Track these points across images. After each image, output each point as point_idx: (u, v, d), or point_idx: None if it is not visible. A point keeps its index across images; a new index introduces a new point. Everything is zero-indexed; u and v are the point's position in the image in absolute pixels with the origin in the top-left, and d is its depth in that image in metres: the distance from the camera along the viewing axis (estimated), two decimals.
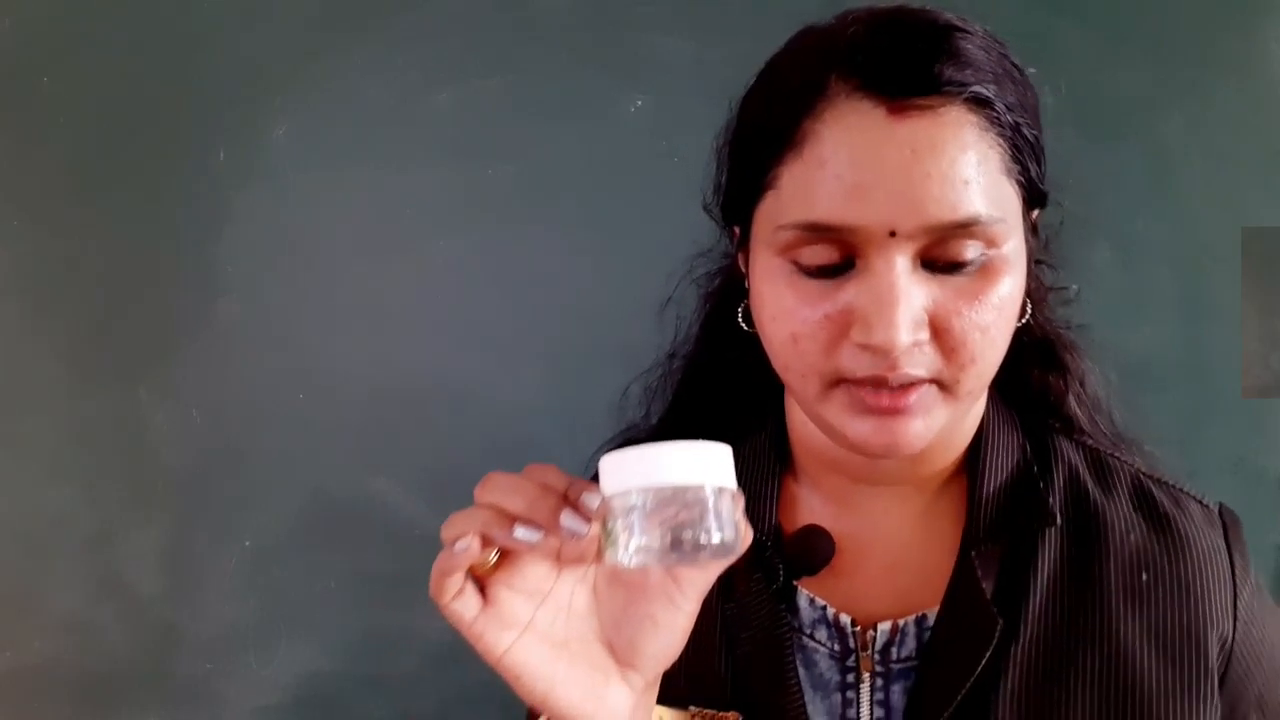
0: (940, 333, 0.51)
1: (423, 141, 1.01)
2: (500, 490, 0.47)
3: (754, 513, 0.63)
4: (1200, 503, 0.63)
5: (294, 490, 1.02)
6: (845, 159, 0.50)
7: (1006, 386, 0.64)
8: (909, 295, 0.50)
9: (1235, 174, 0.93)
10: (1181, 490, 0.63)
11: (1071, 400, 0.68)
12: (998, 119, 0.51)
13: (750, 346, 0.59)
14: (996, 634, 0.56)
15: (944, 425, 0.54)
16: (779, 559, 0.62)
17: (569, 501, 0.46)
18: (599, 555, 0.45)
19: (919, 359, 0.51)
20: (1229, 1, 0.93)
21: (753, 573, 0.62)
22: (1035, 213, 0.58)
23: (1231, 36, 0.93)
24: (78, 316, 1.03)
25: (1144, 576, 0.59)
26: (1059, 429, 0.66)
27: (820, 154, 0.51)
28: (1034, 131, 0.54)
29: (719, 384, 0.70)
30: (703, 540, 0.43)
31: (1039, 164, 0.55)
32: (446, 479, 1.00)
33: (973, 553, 0.59)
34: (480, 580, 0.49)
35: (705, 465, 0.44)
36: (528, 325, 1.00)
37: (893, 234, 0.49)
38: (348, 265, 1.01)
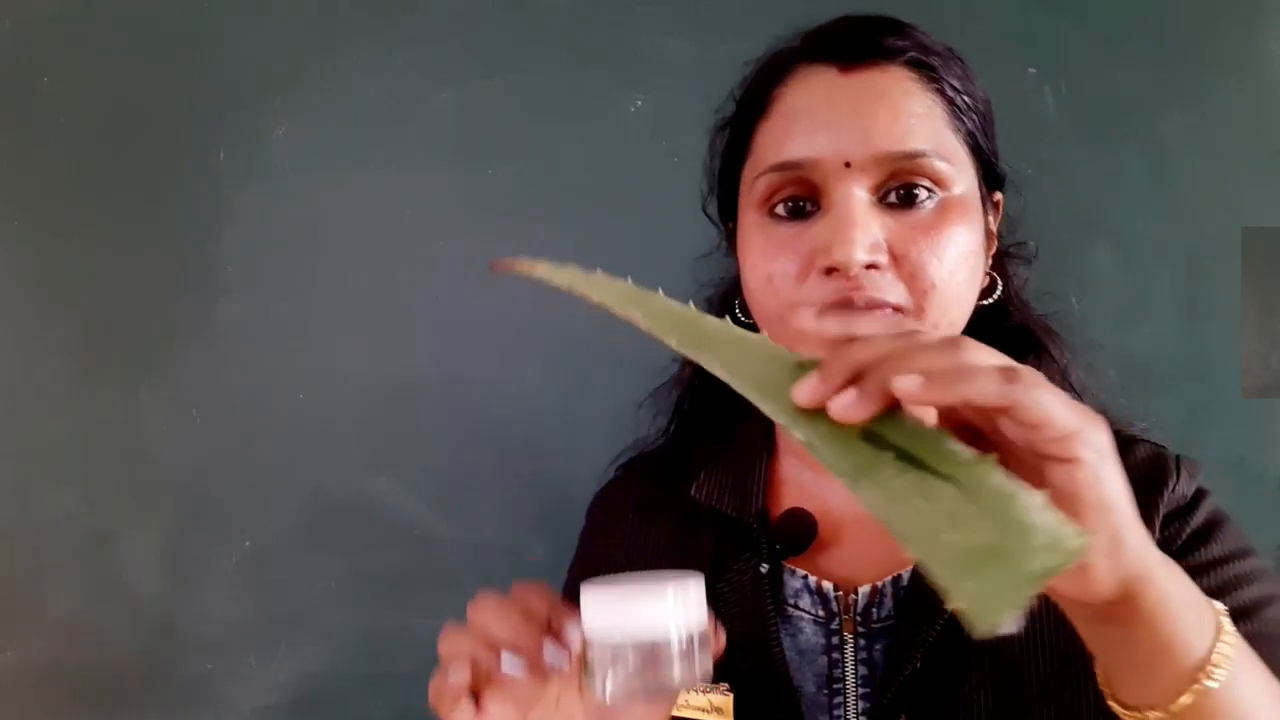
0: (898, 259, 0.57)
1: (423, 141, 1.01)
2: (488, 615, 0.50)
3: (743, 495, 0.69)
4: (1152, 444, 0.66)
5: (294, 490, 1.02)
6: (804, 108, 0.59)
7: None
8: (865, 220, 0.56)
9: (1235, 174, 0.93)
10: (1134, 438, 0.66)
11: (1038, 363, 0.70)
12: (937, 80, 0.59)
13: None
14: None
15: None
16: (765, 541, 0.66)
17: (552, 631, 0.49)
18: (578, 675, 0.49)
19: (880, 283, 0.56)
20: (1229, 1, 0.93)
21: (742, 553, 0.66)
22: (996, 195, 0.65)
23: (1231, 36, 0.93)
24: (78, 316, 1.03)
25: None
26: None
27: (784, 110, 0.61)
28: (979, 108, 0.61)
29: (721, 391, 0.73)
30: (675, 684, 0.47)
31: (988, 137, 0.62)
32: (446, 479, 1.01)
33: None
34: (474, 690, 0.52)
35: (681, 613, 0.47)
36: (528, 325, 1.00)
37: (848, 165, 0.57)
38: (348, 265, 1.01)
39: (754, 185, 0.61)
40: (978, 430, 0.43)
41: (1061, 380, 0.70)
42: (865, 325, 0.55)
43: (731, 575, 0.66)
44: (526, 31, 0.99)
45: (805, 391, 0.42)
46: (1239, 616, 0.55)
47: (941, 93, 0.59)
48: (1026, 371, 0.40)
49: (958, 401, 0.39)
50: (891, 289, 0.56)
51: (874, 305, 0.56)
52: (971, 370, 0.39)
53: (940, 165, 0.57)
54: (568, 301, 1.02)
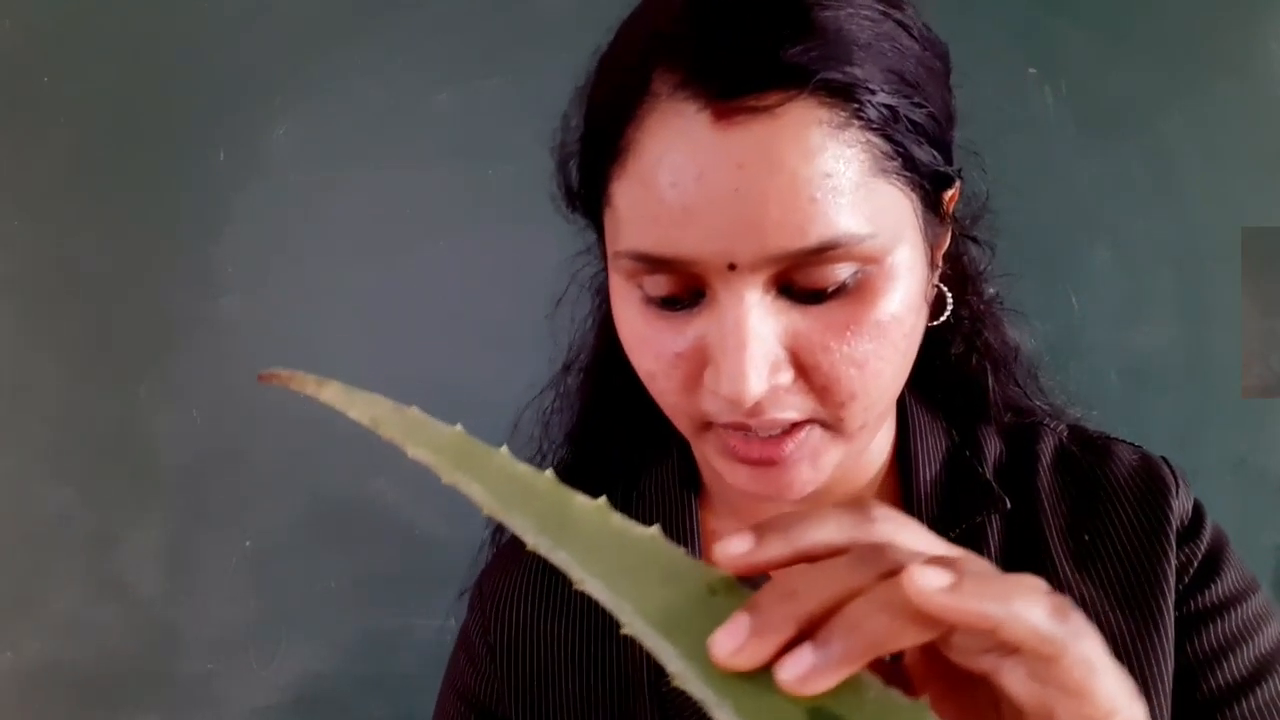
0: (807, 370, 0.44)
1: (423, 141, 1.00)
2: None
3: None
4: (1130, 446, 0.59)
5: (294, 490, 1.02)
6: (668, 180, 0.42)
7: (920, 376, 0.56)
8: (758, 335, 0.42)
9: (1235, 174, 0.93)
10: (1109, 439, 0.60)
11: (990, 383, 0.61)
12: (860, 110, 0.41)
13: None
14: None
15: (840, 463, 0.48)
16: None
17: None
18: None
19: (787, 401, 0.44)
20: (1229, 1, 0.93)
21: None
22: (949, 194, 0.49)
23: (1231, 36, 0.93)
24: (78, 316, 1.03)
25: (1085, 537, 0.55)
26: (984, 417, 0.61)
27: (643, 171, 0.43)
28: (925, 108, 0.44)
29: (621, 396, 0.62)
30: None
31: (936, 143, 0.45)
32: None
33: None
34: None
35: None
36: (528, 325, 1.00)
37: (732, 267, 0.42)
38: (348, 265, 1.01)
39: (614, 255, 0.46)
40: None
41: (998, 370, 0.62)
42: (779, 477, 0.45)
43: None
44: (526, 31, 0.99)
45: (729, 648, 0.28)
46: (1262, 671, 0.51)
47: (869, 127, 0.42)
48: (1071, 609, 0.29)
49: (987, 648, 0.29)
50: (800, 404, 0.44)
51: (784, 429, 0.45)
52: (1006, 598, 0.28)
53: (862, 247, 0.42)
54: (567, 302, 1.02)
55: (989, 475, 0.57)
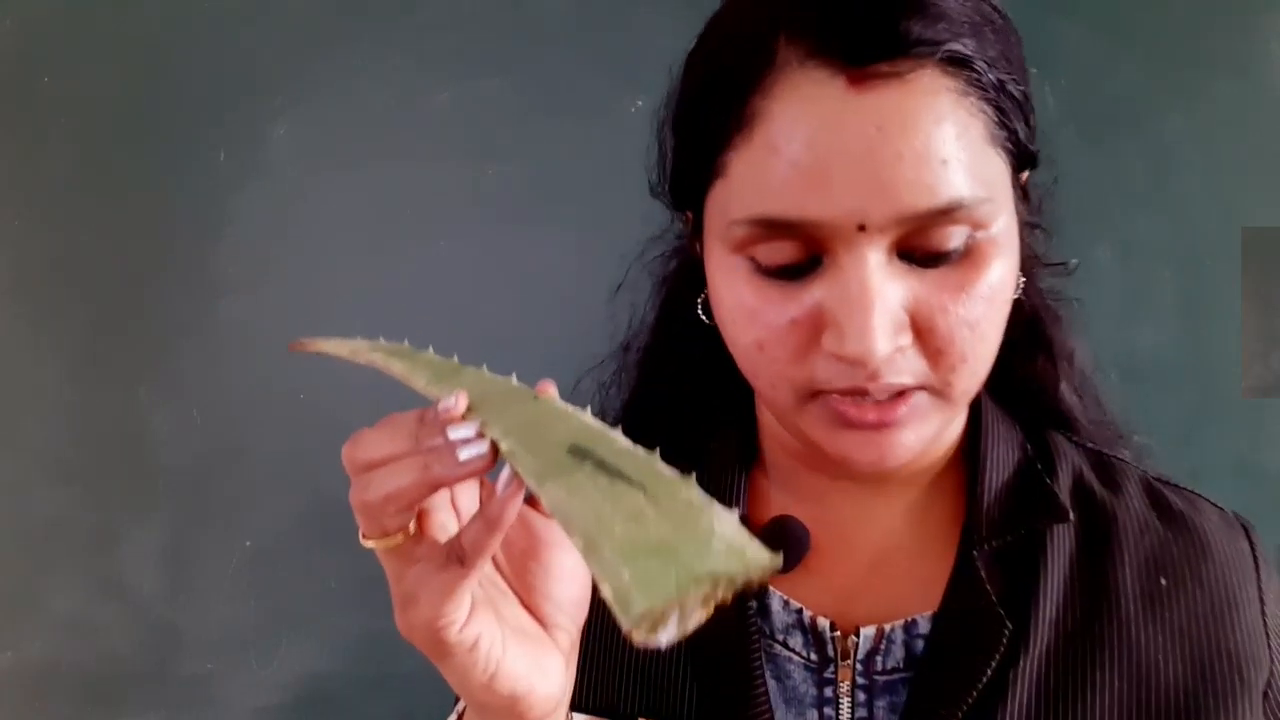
0: (924, 333, 0.45)
1: (423, 141, 1.00)
2: (384, 431, 0.42)
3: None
4: (1215, 505, 0.58)
5: (294, 490, 1.02)
6: (801, 142, 0.43)
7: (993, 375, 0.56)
8: (884, 296, 0.43)
9: (1235, 174, 0.93)
10: (1194, 493, 0.58)
11: (1064, 390, 0.62)
12: (978, 80, 0.44)
13: (712, 338, 0.53)
14: (1005, 640, 0.50)
15: (937, 432, 0.49)
16: None
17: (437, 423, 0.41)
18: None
19: (902, 365, 0.45)
20: (1229, 1, 0.93)
21: None
22: (1025, 174, 0.52)
23: (1231, 36, 0.93)
24: (78, 316, 1.03)
25: (1163, 581, 0.53)
26: (1054, 429, 0.61)
27: (771, 137, 0.44)
28: (1021, 87, 0.47)
29: (679, 377, 0.64)
30: None
31: (1027, 122, 0.48)
32: None
33: (975, 551, 0.53)
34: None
35: None
36: (528, 325, 1.00)
37: (862, 228, 0.43)
38: (348, 265, 1.01)
39: (728, 225, 0.46)
40: None
41: (1069, 377, 0.62)
42: (884, 442, 0.47)
43: None
44: (526, 31, 0.99)
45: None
46: None
47: (983, 93, 0.44)
48: None
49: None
50: (914, 368, 0.45)
51: (897, 392, 0.46)
52: None
53: (980, 210, 0.44)
54: (567, 302, 1.02)
55: (1060, 487, 0.56)
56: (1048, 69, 0.93)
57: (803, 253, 0.45)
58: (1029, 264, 0.56)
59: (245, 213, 1.01)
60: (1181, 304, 0.94)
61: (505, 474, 0.40)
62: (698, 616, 0.30)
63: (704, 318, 0.55)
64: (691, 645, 0.53)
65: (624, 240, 0.98)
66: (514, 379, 0.44)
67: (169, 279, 1.02)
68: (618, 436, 0.38)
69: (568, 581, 0.46)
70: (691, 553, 0.30)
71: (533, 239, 1.00)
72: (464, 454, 0.39)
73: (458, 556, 0.41)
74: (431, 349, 0.50)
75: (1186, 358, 0.94)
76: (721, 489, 0.58)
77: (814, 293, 0.45)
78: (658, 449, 0.36)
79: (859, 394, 0.46)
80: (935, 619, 0.53)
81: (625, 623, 0.29)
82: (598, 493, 0.34)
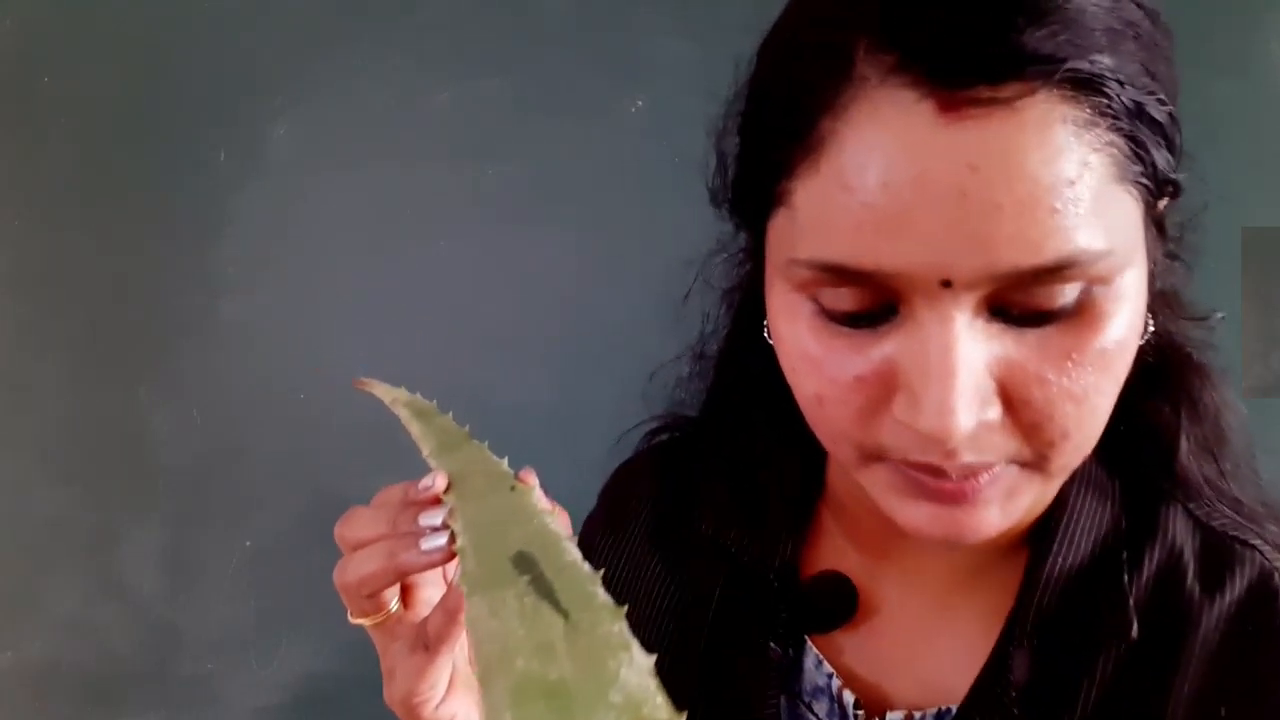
0: (1016, 405, 0.37)
1: (423, 141, 1.01)
2: (367, 516, 0.43)
3: (768, 543, 0.52)
4: (1261, 555, 0.46)
5: (294, 490, 1.02)
6: (876, 179, 0.35)
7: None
8: (969, 363, 0.36)
9: (1235, 174, 0.93)
10: (1249, 544, 0.46)
11: (1185, 447, 0.49)
12: (1109, 106, 0.35)
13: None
14: None
15: (1028, 509, 0.42)
16: (784, 602, 0.51)
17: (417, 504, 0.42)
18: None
19: (988, 442, 0.38)
20: (1229, 1, 0.93)
21: (752, 617, 0.50)
22: (1164, 202, 0.43)
23: (1231, 36, 0.93)
24: (78, 316, 1.03)
25: (1221, 712, 0.43)
26: (1175, 497, 0.49)
27: (842, 169, 0.36)
28: (1166, 107, 0.39)
29: (748, 396, 0.58)
30: None
31: (1170, 147, 0.40)
32: None
33: (1012, 647, 0.45)
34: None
35: None
36: (528, 325, 1.00)
37: (947, 283, 0.35)
38: (348, 265, 1.01)
39: (789, 263, 0.39)
40: None
41: (1199, 436, 0.50)
42: (963, 518, 0.40)
43: (736, 641, 0.50)
44: (526, 31, 0.99)
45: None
46: None
47: (1117, 126, 0.36)
48: None
49: None
50: (1001, 446, 0.38)
51: (973, 473, 0.39)
52: None
53: (1098, 267, 0.35)
54: (567, 302, 1.02)
55: (1141, 581, 0.46)
56: None
57: (873, 301, 0.37)
58: (1162, 304, 0.48)
59: (245, 213, 1.01)
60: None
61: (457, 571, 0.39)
62: None
63: (770, 340, 0.47)
64: (710, 686, 0.52)
65: (624, 240, 0.99)
66: (505, 463, 0.44)
67: (169, 279, 1.02)
68: (569, 548, 0.36)
69: None
70: (586, 700, 0.30)
71: (532, 239, 1.00)
72: (426, 544, 0.39)
73: (423, 643, 0.41)
74: (451, 415, 0.51)
75: None
76: (780, 510, 0.54)
77: (885, 347, 0.38)
78: (602, 570, 0.34)
79: (934, 471, 0.39)
80: (963, 710, 0.46)
81: None
82: (518, 616, 0.33)
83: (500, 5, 1.00)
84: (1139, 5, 0.39)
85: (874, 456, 0.41)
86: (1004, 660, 0.45)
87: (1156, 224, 0.42)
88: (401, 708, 0.43)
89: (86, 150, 1.02)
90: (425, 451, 0.48)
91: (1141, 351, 0.42)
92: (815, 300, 0.39)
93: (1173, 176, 0.41)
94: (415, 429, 0.50)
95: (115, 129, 1.02)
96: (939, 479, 0.39)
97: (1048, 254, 0.34)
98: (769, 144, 0.40)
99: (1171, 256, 0.48)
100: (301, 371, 1.02)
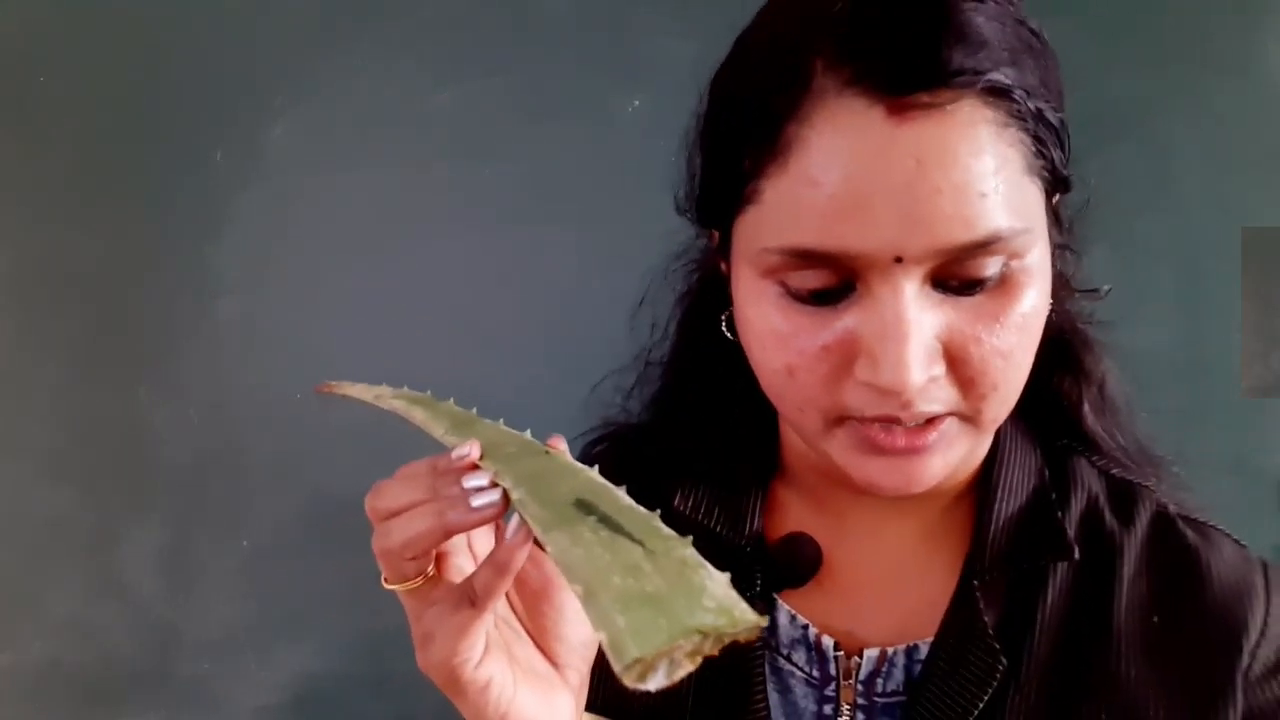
0: (956, 362, 0.45)
1: (423, 141, 1.01)
2: (404, 481, 0.45)
3: (737, 514, 0.58)
4: (1235, 542, 0.56)
5: (294, 490, 1.02)
6: (839, 174, 0.42)
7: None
8: (919, 326, 0.43)
9: (1235, 174, 0.93)
10: (1214, 528, 0.56)
11: (1087, 410, 0.60)
12: (1018, 110, 0.43)
13: (735, 352, 0.53)
14: (998, 673, 0.51)
15: (964, 457, 0.49)
16: (758, 566, 0.56)
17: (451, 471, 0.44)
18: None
19: (934, 394, 0.45)
20: (1229, 1, 0.93)
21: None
22: (1056, 198, 0.50)
23: (1231, 36, 0.93)
24: (78, 316, 1.03)
25: (1155, 619, 0.52)
26: (1079, 450, 0.59)
27: (808, 168, 0.43)
28: (1058, 114, 0.46)
29: (702, 390, 0.64)
30: None
31: (1063, 148, 0.47)
32: None
33: (975, 581, 0.53)
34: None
35: None
36: (528, 325, 1.00)
37: (898, 259, 0.42)
38: (347, 265, 1.01)
39: (759, 251, 0.46)
40: None
41: (1096, 402, 0.61)
42: (911, 468, 0.47)
43: None
44: (526, 31, 0.99)
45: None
46: None
47: (1024, 128, 0.44)
48: None
49: None
50: (945, 396, 0.46)
51: (923, 419, 0.46)
52: None
53: (1016, 242, 0.43)
54: (567, 302, 1.02)
55: (1071, 520, 0.55)
56: None
57: (835, 279, 0.45)
58: (1059, 286, 0.55)
59: (244, 213, 1.02)
60: (1181, 304, 0.94)
61: (514, 522, 0.42)
62: (686, 667, 0.31)
63: (728, 334, 0.54)
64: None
65: (623, 240, 0.98)
66: (528, 434, 0.46)
67: (169, 279, 1.02)
68: (621, 494, 0.40)
69: (578, 623, 0.48)
70: (683, 607, 0.32)
71: (532, 239, 1.00)
72: (477, 501, 0.41)
73: (470, 599, 0.43)
74: (453, 400, 0.52)
75: (1186, 358, 0.94)
76: (744, 489, 0.59)
77: (846, 320, 0.45)
78: (658, 510, 0.38)
79: (890, 422, 0.46)
80: (932, 647, 0.53)
81: (618, 667, 0.30)
82: (599, 544, 0.36)
83: (500, 5, 1.00)
84: (1030, 30, 0.47)
85: (836, 421, 0.48)
86: (969, 594, 0.53)
87: (1054, 214, 0.50)
88: (440, 670, 0.44)
89: (86, 150, 1.02)
90: (439, 432, 0.49)
91: (1046, 330, 0.49)
92: (782, 283, 0.46)
93: (1065, 174, 0.48)
94: (419, 415, 0.52)
95: (115, 129, 1.02)
96: (893, 435, 0.46)
97: (979, 230, 0.42)
98: (739, 150, 0.47)
99: (1063, 247, 0.56)
100: (301, 371, 1.02)
